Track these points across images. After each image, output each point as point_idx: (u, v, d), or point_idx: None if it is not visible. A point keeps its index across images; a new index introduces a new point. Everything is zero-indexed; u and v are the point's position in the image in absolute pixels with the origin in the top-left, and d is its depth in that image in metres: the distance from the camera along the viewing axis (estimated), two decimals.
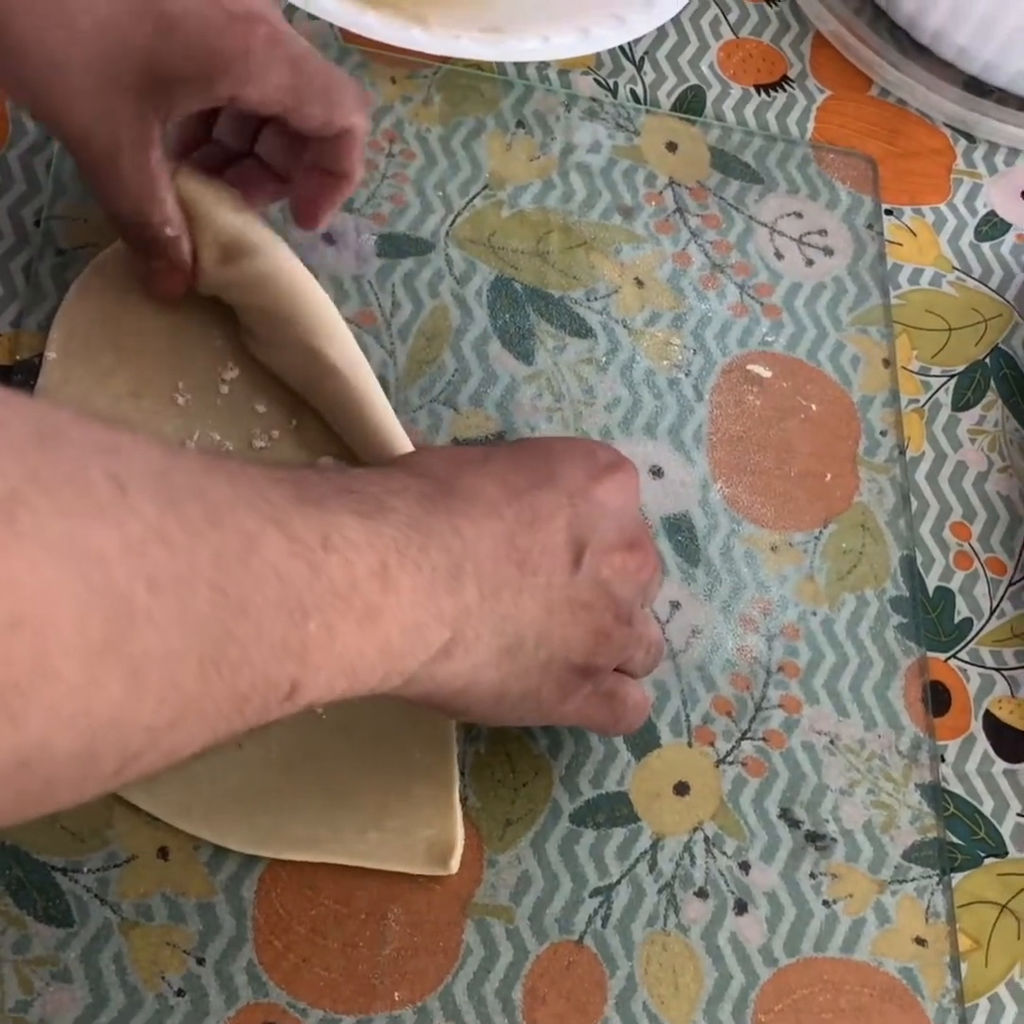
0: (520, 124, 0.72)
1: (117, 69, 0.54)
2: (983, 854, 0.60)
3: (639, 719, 0.55)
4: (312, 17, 0.70)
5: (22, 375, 0.61)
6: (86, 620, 0.33)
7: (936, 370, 0.71)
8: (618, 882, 0.56)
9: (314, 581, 0.40)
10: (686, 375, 0.67)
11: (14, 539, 0.32)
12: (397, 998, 0.53)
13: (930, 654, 0.63)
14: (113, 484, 0.35)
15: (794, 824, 0.59)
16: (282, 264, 0.59)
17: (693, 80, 0.76)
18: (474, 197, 0.70)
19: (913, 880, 0.58)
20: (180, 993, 0.51)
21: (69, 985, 0.51)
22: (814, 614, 0.63)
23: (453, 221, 0.69)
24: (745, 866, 0.57)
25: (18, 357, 0.61)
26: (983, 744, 0.62)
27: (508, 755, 0.58)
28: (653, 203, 0.72)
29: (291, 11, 0.71)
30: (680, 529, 0.64)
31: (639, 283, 0.69)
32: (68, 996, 0.51)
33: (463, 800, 0.56)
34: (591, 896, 0.56)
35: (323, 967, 0.53)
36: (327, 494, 0.43)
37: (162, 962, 0.52)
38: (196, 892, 0.53)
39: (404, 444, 0.59)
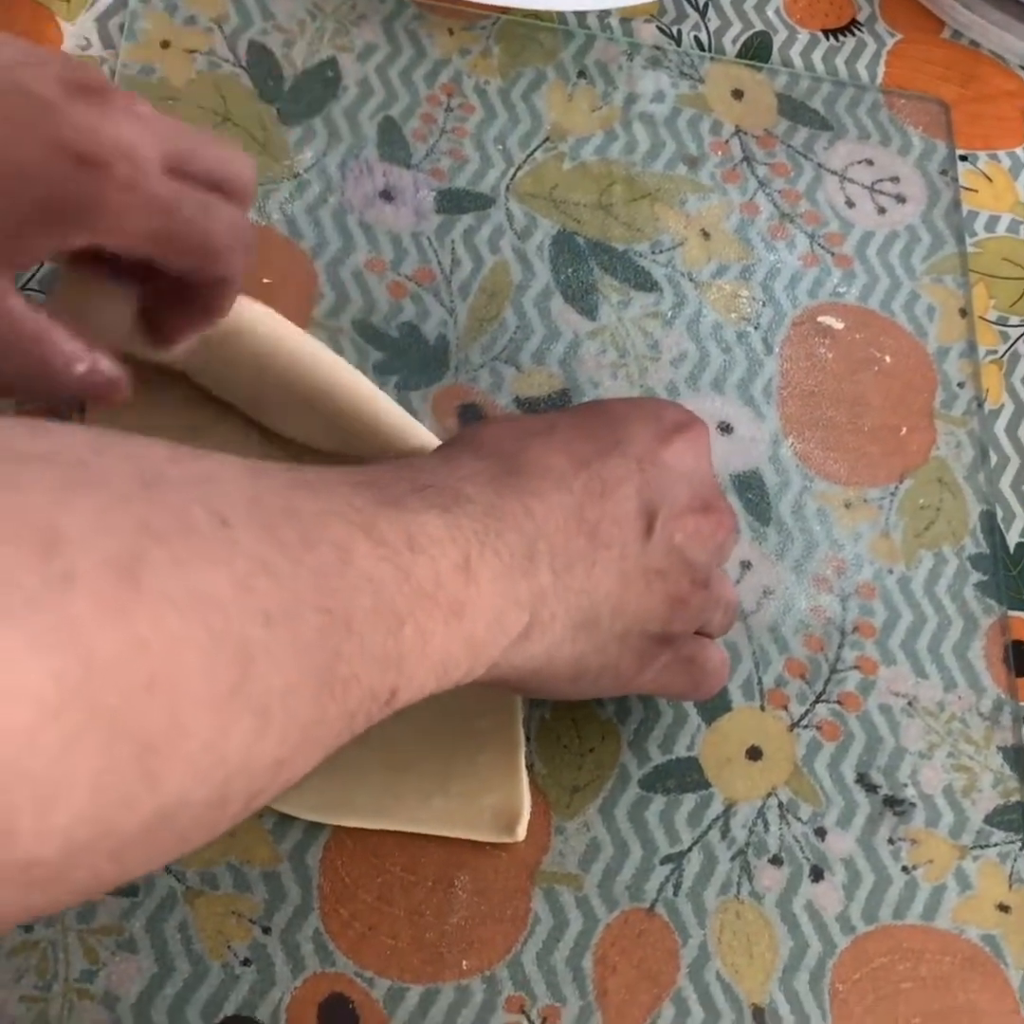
0: (581, 74, 0.70)
1: None
2: None
3: (719, 682, 0.54)
4: None
5: None
6: (212, 668, 0.33)
7: (1014, 320, 0.68)
8: (690, 849, 0.55)
9: (404, 584, 0.39)
10: (755, 328, 0.65)
11: (138, 598, 0.31)
12: (465, 967, 0.52)
13: (1011, 613, 0.61)
14: (215, 520, 0.34)
15: (871, 789, 0.57)
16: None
17: (759, 26, 0.74)
18: (535, 150, 0.68)
19: (995, 845, 0.57)
20: (246, 963, 0.51)
21: (134, 955, 0.50)
22: (890, 572, 0.61)
23: (514, 175, 0.67)
24: (821, 832, 0.56)
25: None
26: None
27: (574, 721, 0.56)
28: (719, 152, 0.70)
29: None
30: (750, 486, 0.62)
31: (705, 234, 0.67)
32: (133, 966, 0.50)
33: (529, 766, 0.55)
34: (662, 863, 0.54)
35: (390, 936, 0.52)
36: (405, 492, 0.42)
37: (228, 931, 0.51)
38: (261, 860, 0.52)
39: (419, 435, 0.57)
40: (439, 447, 0.53)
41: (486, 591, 0.43)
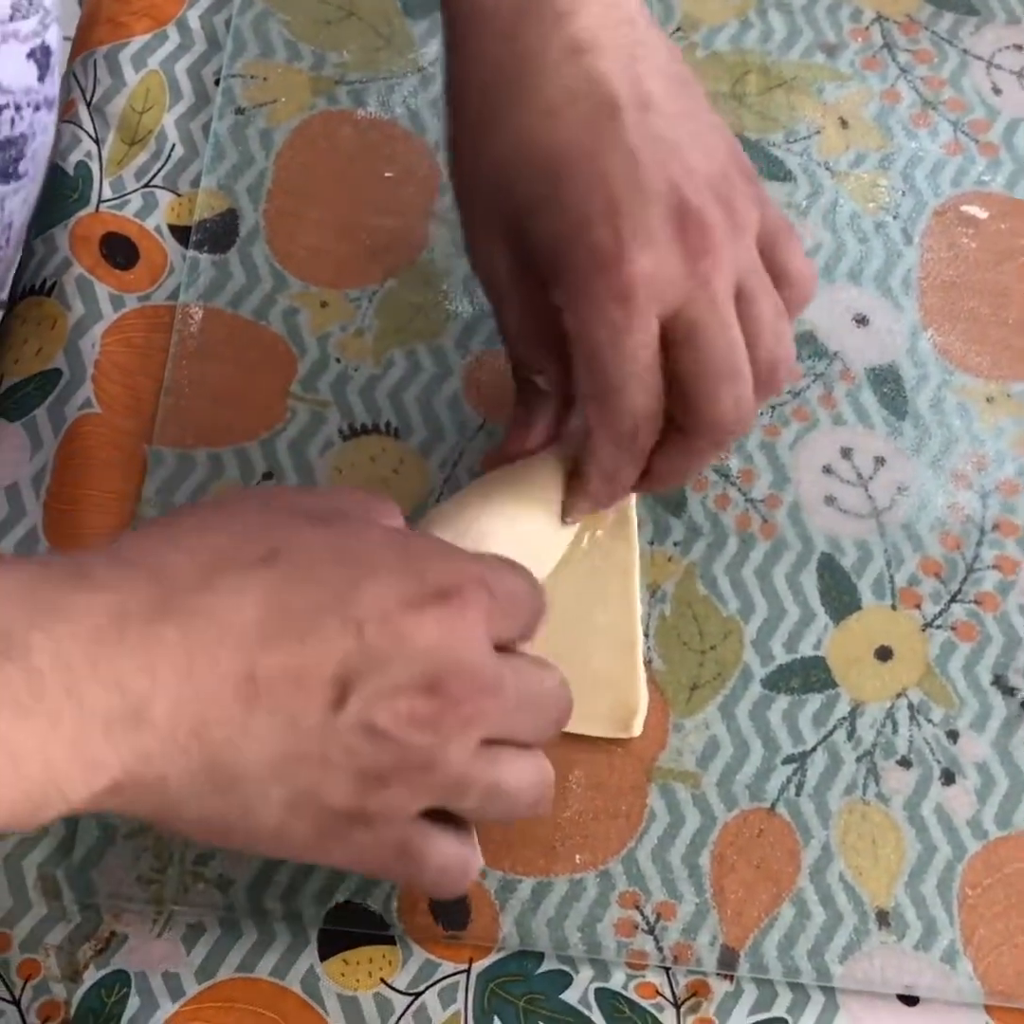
0: None
1: None
2: None
3: (451, 883, 0.46)
4: None
5: (201, 235, 0.60)
6: None
7: None
8: (814, 749, 0.53)
9: None
10: (894, 218, 0.63)
11: None
12: (579, 861, 0.51)
13: None
14: None
15: (1009, 691, 0.54)
16: None
17: None
18: None
19: None
20: None
21: None
22: None
23: None
24: (953, 735, 0.54)
25: (197, 218, 0.60)
26: None
27: (695, 618, 0.55)
28: (859, 39, 0.67)
29: None
30: (886, 380, 0.59)
31: (843, 123, 0.64)
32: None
33: (647, 663, 0.54)
34: (784, 763, 0.53)
35: (502, 828, 0.51)
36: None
37: None
38: None
39: None
40: (123, 539, 0.45)
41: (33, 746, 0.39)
